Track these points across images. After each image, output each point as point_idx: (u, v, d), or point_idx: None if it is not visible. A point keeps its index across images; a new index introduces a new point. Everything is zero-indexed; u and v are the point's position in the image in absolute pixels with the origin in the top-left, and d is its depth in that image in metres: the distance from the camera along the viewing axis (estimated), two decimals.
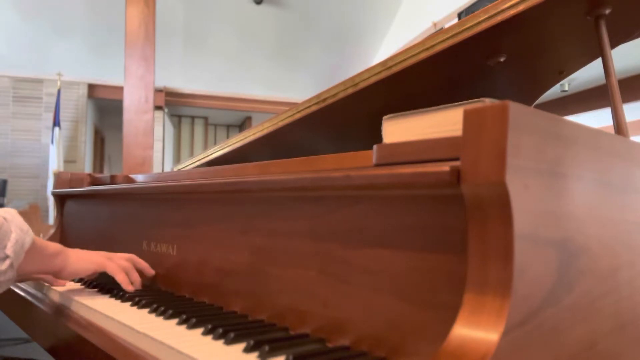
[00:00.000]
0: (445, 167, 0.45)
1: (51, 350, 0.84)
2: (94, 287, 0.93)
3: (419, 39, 1.19)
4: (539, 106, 0.81)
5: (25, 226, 0.75)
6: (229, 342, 0.56)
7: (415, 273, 0.50)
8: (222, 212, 0.78)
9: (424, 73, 0.92)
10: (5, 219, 0.72)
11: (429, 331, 0.48)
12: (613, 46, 0.82)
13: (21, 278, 0.85)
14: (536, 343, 0.42)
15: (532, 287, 0.42)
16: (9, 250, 0.70)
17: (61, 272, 0.84)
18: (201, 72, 6.00)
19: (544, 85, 1.07)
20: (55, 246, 0.84)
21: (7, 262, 0.70)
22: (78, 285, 0.96)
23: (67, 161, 5.35)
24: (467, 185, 0.42)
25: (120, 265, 0.87)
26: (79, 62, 5.46)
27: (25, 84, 5.37)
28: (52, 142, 4.93)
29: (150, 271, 0.92)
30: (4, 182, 4.77)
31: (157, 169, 5.42)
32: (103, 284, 0.93)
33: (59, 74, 5.15)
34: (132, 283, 0.87)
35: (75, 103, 5.51)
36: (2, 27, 5.04)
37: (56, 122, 4.97)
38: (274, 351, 0.52)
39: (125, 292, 0.84)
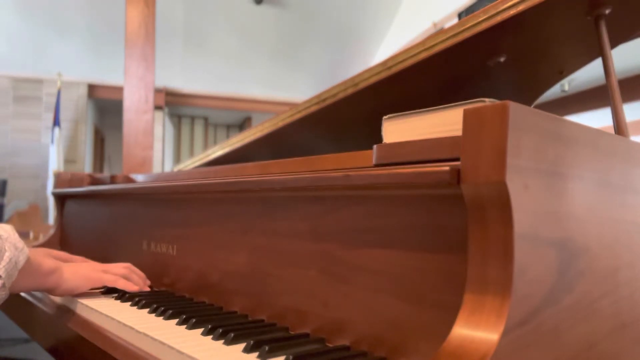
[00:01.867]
0: (445, 167, 0.45)
1: (51, 350, 0.84)
2: (93, 288, 0.93)
3: (419, 39, 1.19)
4: (539, 106, 0.81)
5: (21, 243, 0.73)
6: (228, 342, 0.56)
7: (415, 273, 0.50)
8: (222, 212, 0.78)
9: (424, 73, 0.92)
10: (0, 236, 0.71)
11: (429, 331, 0.48)
12: (613, 46, 0.82)
13: (14, 294, 0.83)
14: (536, 343, 0.42)
15: (532, 287, 0.42)
16: (1, 271, 0.69)
17: (55, 290, 0.82)
18: (201, 72, 5.99)
19: (544, 85, 1.07)
20: (50, 264, 0.81)
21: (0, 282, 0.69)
22: None
23: (67, 161, 5.35)
24: (467, 185, 0.42)
25: (118, 274, 0.86)
26: (79, 62, 5.46)
27: (25, 84, 5.37)
28: (52, 142, 4.93)
29: (146, 282, 0.91)
30: (4, 182, 4.77)
31: (157, 169, 5.41)
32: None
33: (59, 74, 5.15)
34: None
35: (75, 103, 5.51)
36: (2, 27, 5.03)
37: (56, 122, 4.96)
38: (274, 351, 0.52)
39: (125, 292, 0.84)
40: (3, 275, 0.69)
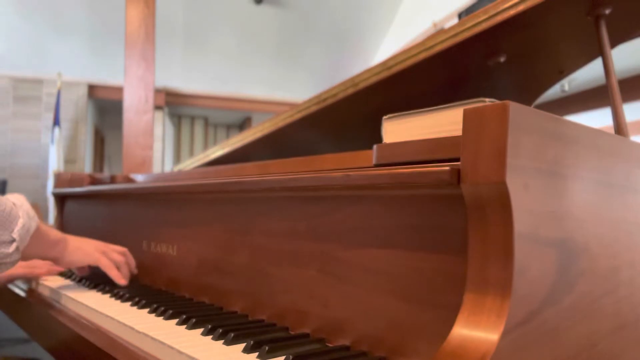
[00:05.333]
0: (445, 167, 0.45)
1: (51, 350, 0.84)
2: (93, 287, 0.93)
3: (419, 39, 1.19)
4: (539, 106, 0.81)
5: (32, 212, 0.80)
6: (228, 342, 0.56)
7: (415, 273, 0.50)
8: (222, 212, 0.78)
9: (424, 73, 0.93)
10: (14, 204, 0.77)
11: (429, 331, 0.48)
12: (613, 46, 0.82)
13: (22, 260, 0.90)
14: (536, 343, 0.42)
15: (532, 287, 0.42)
16: (15, 234, 0.75)
17: (59, 259, 0.90)
18: (201, 72, 5.99)
19: (544, 85, 1.07)
20: (57, 234, 0.89)
21: (14, 245, 0.75)
22: (75, 283, 0.97)
23: (67, 161, 5.34)
24: (467, 185, 0.42)
25: (114, 260, 0.93)
26: (79, 62, 5.46)
27: (25, 84, 5.36)
28: (52, 142, 4.92)
29: (133, 271, 0.98)
30: (4, 182, 4.76)
31: (157, 169, 5.41)
32: (101, 283, 0.93)
33: (59, 74, 5.14)
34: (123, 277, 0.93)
35: (75, 103, 5.50)
36: (2, 27, 5.03)
37: (56, 122, 4.96)
38: (274, 351, 0.52)
39: (125, 292, 0.85)
40: (17, 239, 0.76)
